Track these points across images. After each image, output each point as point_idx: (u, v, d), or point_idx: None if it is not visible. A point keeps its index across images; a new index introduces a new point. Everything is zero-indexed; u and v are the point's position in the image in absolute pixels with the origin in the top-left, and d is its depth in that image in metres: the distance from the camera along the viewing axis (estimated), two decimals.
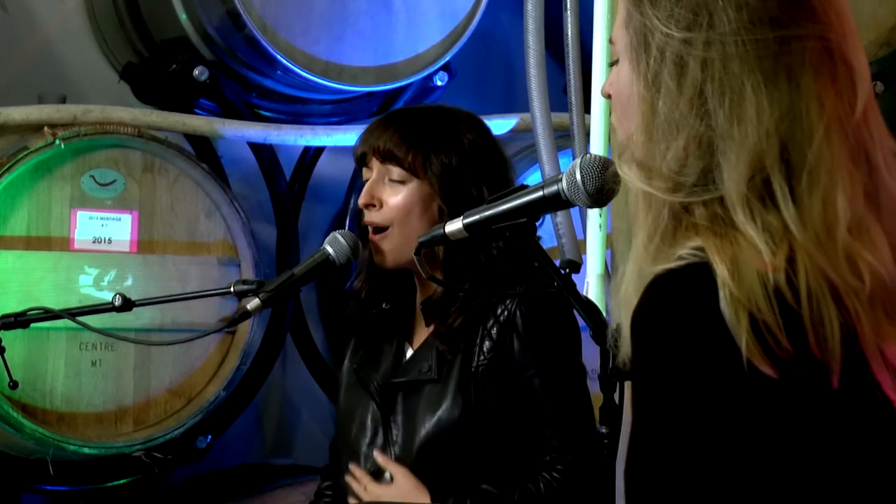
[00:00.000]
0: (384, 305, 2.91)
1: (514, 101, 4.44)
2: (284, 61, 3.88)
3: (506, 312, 2.74)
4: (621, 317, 1.60)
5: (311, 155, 4.29)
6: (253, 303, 2.82)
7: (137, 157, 3.76)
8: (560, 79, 3.78)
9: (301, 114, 4.22)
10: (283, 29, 3.89)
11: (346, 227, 4.11)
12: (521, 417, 2.73)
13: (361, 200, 2.84)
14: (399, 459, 2.77)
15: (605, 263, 3.37)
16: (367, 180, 2.86)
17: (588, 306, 2.43)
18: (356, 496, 2.80)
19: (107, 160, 3.73)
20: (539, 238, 2.38)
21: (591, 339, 2.43)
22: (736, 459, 1.52)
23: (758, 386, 1.51)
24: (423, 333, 2.85)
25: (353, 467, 2.82)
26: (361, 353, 2.93)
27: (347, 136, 3.99)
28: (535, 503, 2.68)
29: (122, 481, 3.85)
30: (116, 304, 2.88)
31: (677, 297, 1.55)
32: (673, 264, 1.56)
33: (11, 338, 2.97)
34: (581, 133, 3.50)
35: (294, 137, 4.06)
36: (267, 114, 4.19)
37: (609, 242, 3.37)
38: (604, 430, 2.35)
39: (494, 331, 2.73)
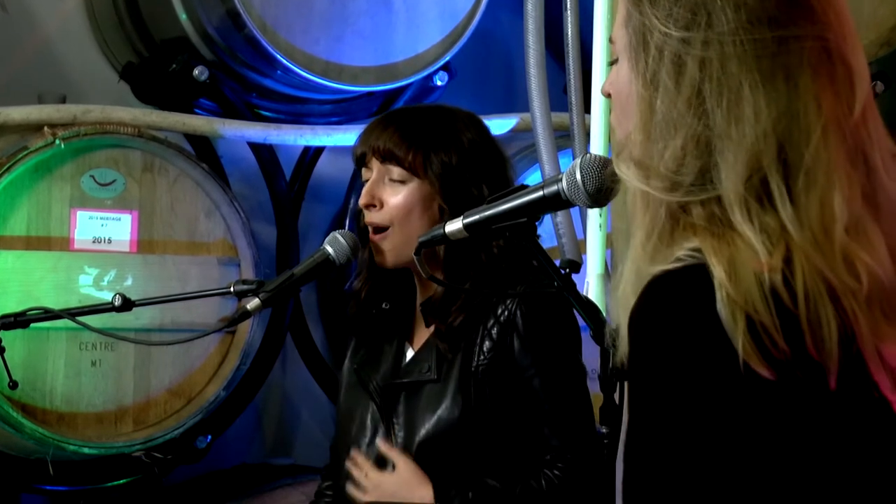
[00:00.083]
0: (384, 306, 2.90)
1: (514, 101, 4.44)
2: (284, 61, 3.88)
3: (506, 312, 2.74)
4: (619, 316, 1.60)
5: (311, 155, 4.29)
6: (253, 303, 2.82)
7: (137, 157, 3.76)
8: (560, 79, 3.78)
9: (301, 114, 4.22)
10: (282, 29, 3.89)
11: (346, 228, 4.11)
12: (520, 417, 2.73)
13: (362, 201, 2.84)
14: None
15: (605, 263, 3.37)
16: (366, 180, 2.85)
17: (588, 306, 2.43)
18: (356, 483, 2.79)
19: (107, 160, 3.73)
20: (539, 238, 2.38)
21: (591, 339, 2.43)
22: (733, 461, 1.52)
23: (754, 387, 1.51)
24: (423, 334, 2.84)
25: (354, 453, 2.81)
26: (362, 353, 2.93)
27: (347, 136, 3.99)
28: (536, 499, 2.68)
29: (122, 481, 3.85)
30: (116, 304, 2.87)
31: (674, 299, 1.55)
32: (670, 266, 1.56)
33: (11, 338, 2.97)
34: (581, 133, 3.50)
35: (294, 137, 4.06)
36: (267, 114, 4.19)
37: (609, 242, 3.37)
38: (604, 430, 2.35)
39: (495, 330, 2.73)
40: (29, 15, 4.20)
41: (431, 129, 2.83)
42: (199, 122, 3.93)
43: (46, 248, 3.66)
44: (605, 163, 2.17)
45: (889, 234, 1.58)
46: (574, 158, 2.46)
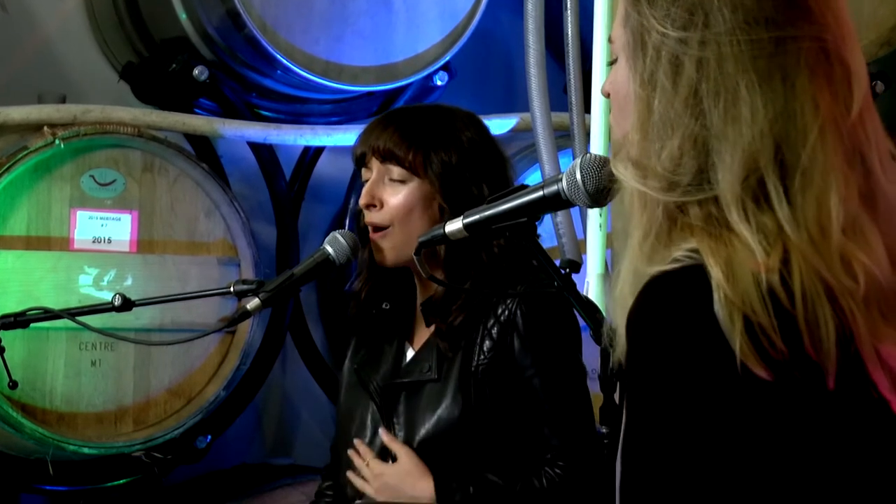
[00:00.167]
0: (384, 306, 2.90)
1: (514, 100, 4.44)
2: (284, 61, 3.87)
3: (506, 312, 2.74)
4: (616, 316, 1.60)
5: (311, 155, 4.29)
6: (253, 303, 2.82)
7: (137, 157, 3.76)
8: (560, 78, 3.78)
9: (301, 114, 4.22)
10: (282, 29, 3.88)
11: (346, 228, 4.10)
12: (520, 417, 2.73)
13: (362, 201, 2.84)
14: None
15: (605, 263, 3.37)
16: (366, 180, 2.86)
17: (588, 306, 2.43)
18: (357, 472, 2.79)
19: (107, 160, 3.73)
20: (539, 238, 2.38)
21: (591, 339, 2.43)
22: (731, 462, 1.52)
23: (752, 388, 1.51)
24: (423, 334, 2.85)
25: (357, 442, 2.81)
26: (362, 353, 2.93)
27: (347, 136, 3.99)
28: (536, 496, 2.68)
29: (121, 481, 3.85)
30: (116, 303, 2.87)
31: (672, 301, 1.55)
32: (668, 266, 1.56)
33: (11, 338, 2.97)
34: (581, 133, 3.51)
35: (294, 137, 4.06)
36: (267, 114, 4.19)
37: (609, 242, 3.37)
38: (604, 430, 2.35)
39: (495, 330, 2.74)
40: (29, 15, 4.20)
41: (431, 129, 2.83)
42: (199, 122, 3.93)
43: (46, 248, 3.65)
44: (604, 163, 2.17)
45: (887, 234, 1.58)
46: (574, 158, 2.46)
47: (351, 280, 2.99)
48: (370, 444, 2.82)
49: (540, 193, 2.25)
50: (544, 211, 2.29)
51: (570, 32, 3.50)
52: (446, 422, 2.72)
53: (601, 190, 2.17)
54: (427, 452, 2.73)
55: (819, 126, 1.56)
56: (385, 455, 2.78)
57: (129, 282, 3.71)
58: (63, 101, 3.83)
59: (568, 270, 2.38)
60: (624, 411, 1.59)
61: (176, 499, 4.06)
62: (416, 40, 4.07)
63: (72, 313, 2.92)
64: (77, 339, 3.67)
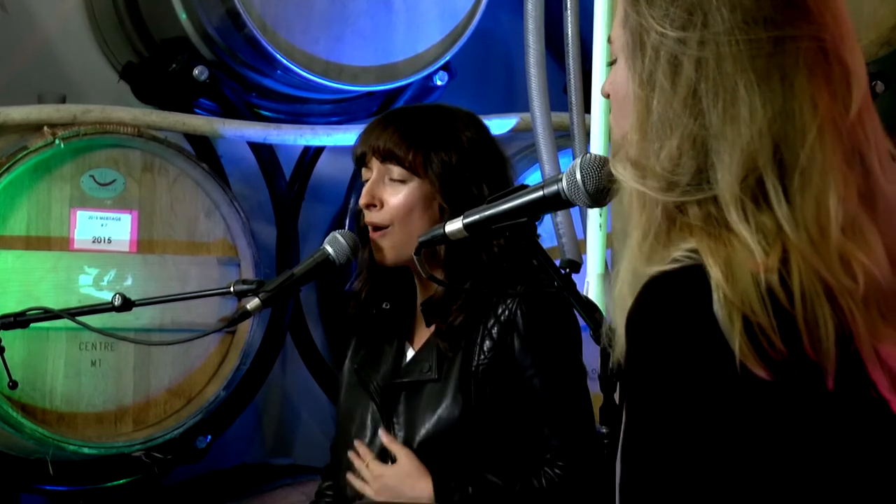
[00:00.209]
0: (385, 306, 2.91)
1: (514, 100, 4.44)
2: (284, 61, 3.87)
3: (506, 312, 2.74)
4: (616, 316, 1.60)
5: (311, 155, 4.29)
6: (253, 303, 2.82)
7: (137, 157, 3.76)
8: (560, 78, 3.78)
9: (301, 113, 4.22)
10: (282, 28, 3.88)
11: (346, 228, 4.11)
12: (520, 417, 2.73)
13: (362, 201, 2.84)
14: None
15: (605, 263, 3.37)
16: (366, 180, 2.86)
17: (588, 306, 2.43)
18: (357, 473, 2.79)
19: (106, 160, 3.73)
20: (539, 238, 2.38)
21: (591, 339, 2.43)
22: (730, 462, 1.52)
23: (752, 388, 1.51)
24: (423, 334, 2.85)
25: (357, 443, 2.82)
26: (362, 353, 2.93)
27: (347, 136, 3.99)
28: (536, 496, 2.69)
29: (121, 481, 3.85)
30: (116, 303, 2.87)
31: (671, 301, 1.55)
32: (667, 266, 1.56)
33: (11, 338, 2.97)
34: (581, 133, 3.51)
35: (294, 137, 4.06)
36: (267, 113, 4.19)
37: (609, 242, 3.37)
38: (604, 430, 2.35)
39: (495, 330, 2.74)
40: (29, 15, 4.20)
41: (431, 129, 2.83)
42: (199, 122, 3.93)
43: (46, 248, 3.65)
44: (604, 163, 2.17)
45: (886, 234, 1.58)
46: (574, 158, 2.46)
47: (351, 280, 2.99)
48: (370, 444, 2.82)
49: (540, 193, 2.25)
50: (544, 211, 2.29)
51: (570, 32, 3.50)
52: (446, 422, 2.73)
53: (601, 190, 2.17)
54: (427, 452, 2.73)
55: (818, 126, 1.56)
56: (385, 456, 2.78)
57: (129, 282, 3.71)
58: (63, 101, 3.83)
59: (568, 270, 2.38)
60: (624, 411, 1.59)
61: (176, 499, 4.06)
62: (416, 40, 4.07)
63: (72, 313, 2.92)
64: (77, 339, 3.67)
